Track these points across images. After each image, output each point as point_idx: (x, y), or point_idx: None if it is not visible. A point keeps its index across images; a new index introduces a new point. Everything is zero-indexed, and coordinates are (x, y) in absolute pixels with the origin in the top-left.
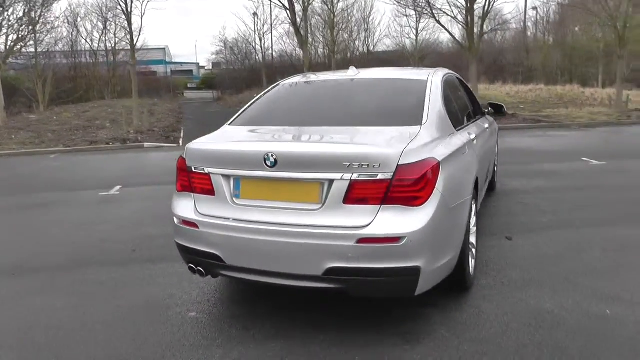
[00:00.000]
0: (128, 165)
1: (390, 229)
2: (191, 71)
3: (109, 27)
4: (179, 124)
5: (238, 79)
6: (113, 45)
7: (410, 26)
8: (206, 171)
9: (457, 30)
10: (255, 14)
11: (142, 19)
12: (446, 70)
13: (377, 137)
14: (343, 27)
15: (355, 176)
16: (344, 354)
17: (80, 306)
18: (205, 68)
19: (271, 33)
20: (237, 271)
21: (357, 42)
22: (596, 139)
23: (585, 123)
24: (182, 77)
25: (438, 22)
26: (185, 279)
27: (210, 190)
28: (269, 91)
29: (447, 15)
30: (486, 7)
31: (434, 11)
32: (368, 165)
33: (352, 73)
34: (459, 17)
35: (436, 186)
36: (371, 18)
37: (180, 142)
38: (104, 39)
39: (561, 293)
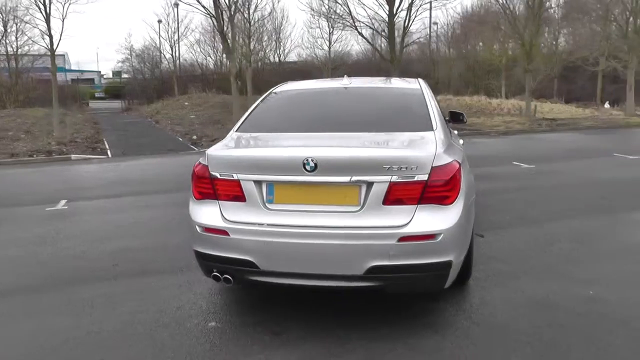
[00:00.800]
0: (63, 179)
1: (428, 227)
2: (92, 79)
3: (9, 30)
4: (99, 135)
5: (148, 88)
6: (15, 50)
7: (323, 37)
8: (235, 177)
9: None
10: (159, 20)
11: (63, 22)
12: (423, 80)
13: (403, 141)
14: (259, 37)
15: (394, 178)
16: (384, 347)
17: (82, 326)
18: (104, 77)
19: (178, 42)
20: (272, 276)
21: (267, 52)
22: (517, 145)
23: (503, 131)
24: (86, 85)
25: (360, 34)
26: (187, 291)
27: (240, 197)
28: (265, 99)
29: (371, 28)
30: (406, 21)
31: (356, 23)
32: (406, 168)
33: (346, 82)
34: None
35: (461, 186)
36: (282, 28)
37: (109, 153)
38: (4, 42)
39: (546, 281)
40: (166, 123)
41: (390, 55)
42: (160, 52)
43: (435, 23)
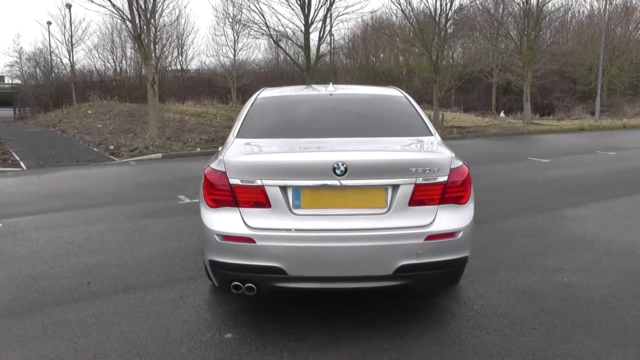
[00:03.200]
0: None
1: (450, 225)
2: None
3: None
4: (3, 146)
5: (43, 95)
6: None
7: (228, 45)
8: (259, 183)
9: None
10: (49, 22)
11: None
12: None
13: (417, 145)
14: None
15: (419, 180)
16: (411, 343)
17: (83, 349)
18: None
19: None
20: (300, 281)
21: (169, 59)
22: None
23: None
24: None
25: (276, 43)
26: (183, 304)
27: (264, 203)
28: (254, 105)
29: (287, 38)
30: (321, 31)
31: (270, 31)
32: (430, 170)
33: (332, 89)
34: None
35: (471, 187)
36: (185, 35)
37: (23, 165)
38: None
39: (522, 272)
40: (73, 132)
41: (306, 64)
42: (57, 56)
43: (331, 34)
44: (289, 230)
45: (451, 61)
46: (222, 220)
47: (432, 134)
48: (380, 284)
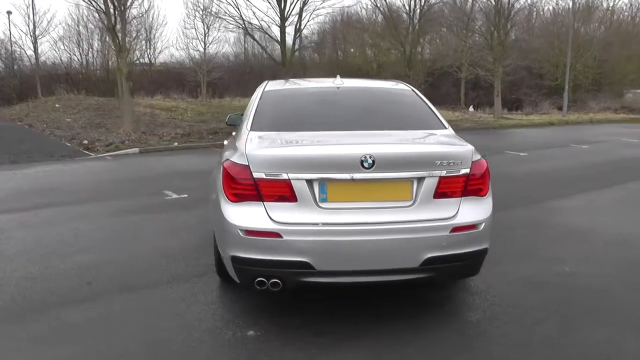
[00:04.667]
0: None
1: (473, 217)
2: None
3: None
4: None
5: (6, 88)
6: None
7: (198, 38)
8: (285, 177)
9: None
10: (9, 12)
11: None
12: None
13: (438, 138)
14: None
15: (443, 173)
16: (435, 335)
17: (99, 352)
18: None
19: (35, 37)
20: (327, 276)
21: (138, 52)
22: None
23: None
24: None
25: (252, 37)
26: (195, 302)
27: (289, 197)
28: (263, 98)
29: (261, 31)
30: (297, 25)
31: (245, 24)
32: (454, 163)
33: (339, 81)
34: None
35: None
36: (154, 27)
37: None
38: None
39: (525, 263)
40: (42, 127)
41: (282, 59)
42: (20, 47)
43: (299, 30)
44: (316, 224)
45: (420, 57)
46: (246, 215)
47: (445, 127)
48: (406, 277)
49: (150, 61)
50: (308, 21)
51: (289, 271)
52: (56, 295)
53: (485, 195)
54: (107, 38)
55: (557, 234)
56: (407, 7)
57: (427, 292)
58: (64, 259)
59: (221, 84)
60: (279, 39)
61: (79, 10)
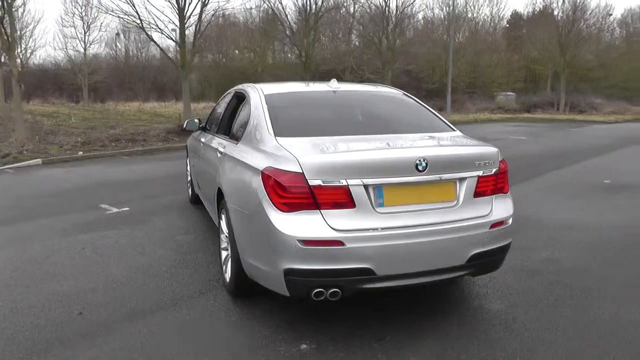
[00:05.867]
0: None
1: (504, 213)
2: None
3: None
4: None
5: None
6: None
7: (78, 38)
8: (344, 183)
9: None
10: None
11: None
12: None
13: (463, 140)
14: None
15: (481, 173)
16: (473, 329)
17: None
18: None
19: None
20: (387, 280)
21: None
22: None
23: None
24: None
25: (150, 37)
26: (221, 322)
27: (348, 203)
28: (267, 102)
29: (162, 32)
30: (199, 25)
31: (143, 24)
32: (488, 163)
33: (336, 85)
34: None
35: None
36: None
37: None
38: None
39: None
40: None
41: (181, 61)
42: None
43: (201, 31)
44: (376, 229)
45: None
46: (303, 225)
47: (455, 129)
48: (453, 274)
49: (22, 62)
50: (209, 22)
51: (351, 279)
52: (48, 332)
53: (507, 192)
54: None
55: (533, 224)
56: (304, 10)
57: (435, 293)
58: (32, 290)
59: (103, 87)
60: (179, 40)
61: None
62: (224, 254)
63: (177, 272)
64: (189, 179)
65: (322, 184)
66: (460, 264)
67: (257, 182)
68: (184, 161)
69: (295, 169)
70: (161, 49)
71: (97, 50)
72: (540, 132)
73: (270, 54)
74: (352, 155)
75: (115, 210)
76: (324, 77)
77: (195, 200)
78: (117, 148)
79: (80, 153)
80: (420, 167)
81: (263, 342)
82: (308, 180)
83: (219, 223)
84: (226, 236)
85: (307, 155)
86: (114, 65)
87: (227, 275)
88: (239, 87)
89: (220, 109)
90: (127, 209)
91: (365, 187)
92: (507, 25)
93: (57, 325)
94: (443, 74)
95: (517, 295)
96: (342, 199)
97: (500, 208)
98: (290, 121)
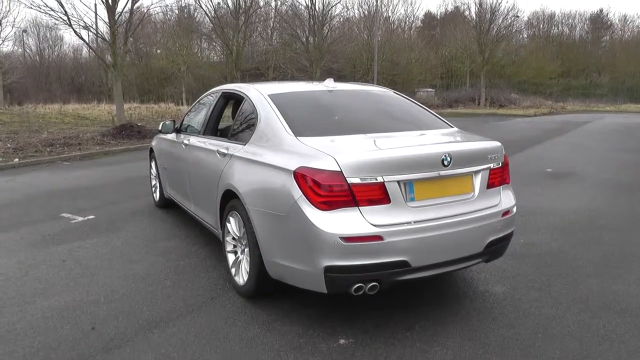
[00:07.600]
0: None
1: (510, 203)
2: None
3: None
4: None
5: None
6: None
7: None
8: (380, 180)
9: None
10: None
11: None
12: None
13: (469, 136)
14: None
15: (492, 165)
16: (493, 317)
17: None
18: None
19: None
20: (420, 271)
21: None
22: None
23: None
24: None
25: (80, 36)
26: (248, 323)
27: (383, 199)
28: (275, 101)
29: (89, 29)
30: (127, 25)
31: (72, 22)
32: (496, 156)
33: (332, 84)
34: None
35: None
36: None
37: None
38: None
39: None
40: None
41: (113, 60)
42: None
43: (132, 30)
44: (409, 222)
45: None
46: (343, 222)
47: (453, 126)
48: (474, 261)
49: None
50: (142, 20)
51: (389, 272)
52: (63, 350)
53: (509, 183)
54: None
55: None
56: (235, 9)
57: (441, 282)
58: (26, 307)
59: (19, 88)
60: (110, 39)
61: None
62: (231, 257)
63: (177, 278)
64: (154, 182)
65: (359, 182)
66: (478, 251)
67: (289, 182)
68: (129, 165)
69: (334, 167)
70: (91, 48)
71: (9, 48)
72: (466, 126)
73: (193, 52)
74: (388, 152)
75: (80, 219)
76: (252, 76)
77: (164, 204)
78: (54, 153)
79: (17, 160)
80: (445, 162)
81: (301, 340)
82: (347, 178)
83: (222, 225)
84: (233, 238)
85: (343, 154)
86: (31, 65)
87: (240, 278)
88: (226, 87)
89: (205, 110)
90: (92, 217)
91: (399, 183)
92: (421, 25)
93: (73, 342)
94: (365, 72)
95: (514, 278)
96: (378, 195)
97: (507, 197)
98: (305, 121)
